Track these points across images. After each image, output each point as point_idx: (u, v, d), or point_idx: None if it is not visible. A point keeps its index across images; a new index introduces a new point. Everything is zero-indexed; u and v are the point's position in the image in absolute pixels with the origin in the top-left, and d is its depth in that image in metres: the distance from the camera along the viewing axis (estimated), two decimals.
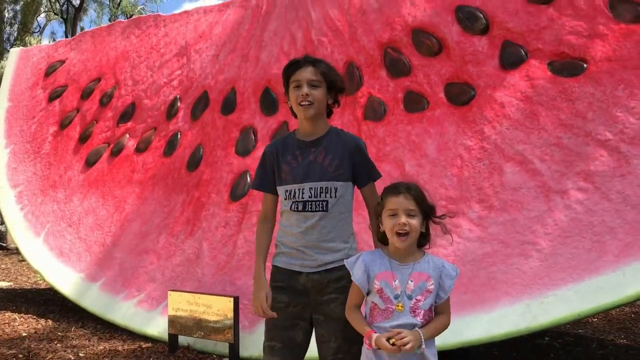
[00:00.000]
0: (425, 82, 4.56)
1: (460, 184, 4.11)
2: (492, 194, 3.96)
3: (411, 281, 2.18)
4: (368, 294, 2.26)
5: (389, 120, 4.61)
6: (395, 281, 2.19)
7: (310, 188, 2.39)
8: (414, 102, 4.55)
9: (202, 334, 4.53)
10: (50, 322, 5.82)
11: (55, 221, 6.48)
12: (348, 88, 4.93)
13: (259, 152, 5.22)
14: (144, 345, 4.92)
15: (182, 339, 4.76)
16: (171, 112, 6.13)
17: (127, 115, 6.52)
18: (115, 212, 6.07)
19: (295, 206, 2.41)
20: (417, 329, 2.13)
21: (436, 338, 3.69)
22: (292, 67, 2.44)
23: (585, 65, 3.93)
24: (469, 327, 3.67)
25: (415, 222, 2.16)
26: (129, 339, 5.14)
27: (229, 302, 4.37)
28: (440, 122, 4.36)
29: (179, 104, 6.12)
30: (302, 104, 2.38)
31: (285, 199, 2.45)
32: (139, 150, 6.22)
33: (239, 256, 4.90)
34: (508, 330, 3.54)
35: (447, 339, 3.63)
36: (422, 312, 2.16)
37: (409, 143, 4.42)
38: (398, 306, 2.17)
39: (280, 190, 2.48)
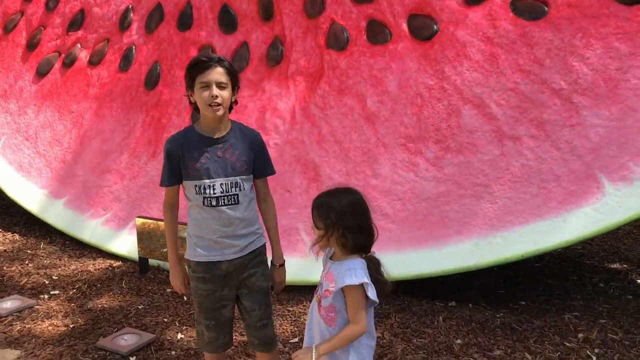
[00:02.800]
0: (388, 11, 4.50)
1: (419, 123, 4.24)
2: (449, 135, 4.12)
3: (324, 277, 2.28)
4: None
5: (351, 52, 4.59)
6: (322, 271, 2.33)
7: (222, 184, 2.49)
8: (377, 33, 4.52)
9: None
10: (17, 236, 5.94)
11: (10, 134, 6.37)
12: (309, 11, 4.83)
13: None
14: (114, 264, 5.14)
15: (153, 260, 4.99)
16: (124, 23, 5.88)
17: (76, 23, 6.22)
18: (73, 127, 6.00)
19: (209, 202, 2.49)
20: (313, 345, 2.18)
21: (393, 269, 4.01)
22: (198, 67, 2.45)
23: (546, 9, 3.95)
24: (422, 260, 3.99)
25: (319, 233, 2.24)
26: (98, 256, 5.34)
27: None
28: (402, 58, 4.38)
29: (131, 15, 5.86)
30: (211, 105, 2.43)
31: (196, 194, 2.51)
32: (93, 63, 6.02)
33: None
34: (458, 266, 3.88)
35: (402, 271, 3.98)
36: (323, 308, 2.22)
37: (371, 77, 4.46)
38: (317, 297, 2.29)
39: (188, 184, 2.53)
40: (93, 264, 5.17)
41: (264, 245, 2.71)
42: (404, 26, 4.43)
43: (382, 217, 4.19)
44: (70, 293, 4.52)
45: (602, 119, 3.70)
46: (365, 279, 2.12)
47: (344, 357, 2.20)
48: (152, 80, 5.58)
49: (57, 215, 5.75)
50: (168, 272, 4.93)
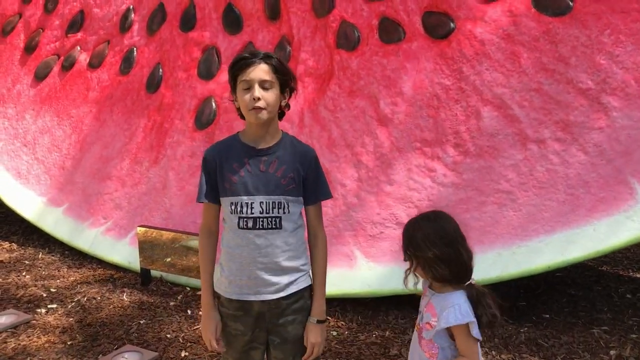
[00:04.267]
0: (401, 8, 4.28)
1: (436, 126, 4.01)
2: (468, 138, 3.89)
3: (425, 308, 2.13)
4: None
5: (363, 51, 4.36)
6: (422, 299, 2.17)
7: (261, 202, 2.11)
8: (390, 32, 4.30)
9: (175, 270, 4.53)
10: (14, 246, 5.73)
11: (7, 139, 6.16)
12: (317, 10, 4.62)
13: (223, 76, 4.96)
14: (115, 275, 4.92)
15: (155, 271, 4.77)
16: (125, 24, 5.67)
17: (75, 24, 6.01)
18: (73, 132, 5.79)
19: (245, 223, 2.12)
20: None
21: (399, 280, 3.78)
22: (239, 65, 2.09)
23: (571, 4, 3.72)
24: None
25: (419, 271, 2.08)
26: (99, 267, 5.12)
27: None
28: (416, 57, 4.15)
29: (132, 15, 5.65)
30: (254, 108, 2.06)
31: (231, 214, 2.14)
32: (93, 65, 5.81)
33: None
34: (479, 278, 3.61)
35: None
36: (424, 340, 2.10)
37: (384, 78, 4.23)
38: (417, 325, 2.17)
39: (225, 202, 2.16)
40: (93, 275, 4.95)
41: (309, 288, 2.26)
42: (419, 24, 4.21)
43: (397, 226, 3.96)
44: (69, 307, 4.30)
45: (634, 120, 3.46)
46: (471, 317, 1.96)
47: None
48: (154, 83, 5.37)
49: (56, 223, 5.53)
50: (171, 283, 4.74)
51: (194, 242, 4.38)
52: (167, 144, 5.14)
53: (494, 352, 3.43)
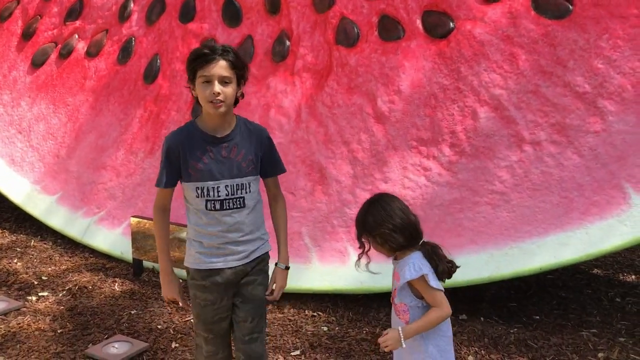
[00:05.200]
0: (401, 6, 4.28)
1: (432, 125, 4.01)
2: (464, 138, 3.90)
3: (393, 277, 2.37)
4: None
5: (362, 48, 4.36)
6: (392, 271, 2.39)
7: (227, 186, 2.30)
8: (389, 29, 4.30)
9: None
10: (6, 233, 5.71)
11: (2, 126, 6.13)
12: (317, 5, 4.61)
13: None
14: (107, 265, 4.91)
15: (147, 262, 4.76)
16: (124, 13, 5.65)
17: (74, 12, 5.98)
18: (69, 121, 5.77)
19: (212, 205, 2.30)
20: (398, 327, 2.22)
21: (390, 278, 3.80)
22: (199, 60, 2.22)
23: (571, 8, 3.73)
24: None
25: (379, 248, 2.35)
26: (91, 256, 5.12)
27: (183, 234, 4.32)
28: (415, 56, 4.16)
29: (132, 5, 5.63)
30: (213, 102, 2.21)
31: (197, 197, 2.31)
32: (90, 54, 5.79)
33: None
34: (471, 278, 3.65)
35: None
36: (396, 307, 2.32)
37: (382, 76, 4.24)
38: (392, 298, 2.37)
39: (189, 186, 2.32)
40: (85, 264, 4.94)
41: (268, 253, 2.53)
42: (418, 23, 4.21)
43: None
44: (60, 295, 4.29)
45: (629, 125, 3.48)
46: (423, 270, 2.18)
47: (423, 348, 2.24)
48: (151, 74, 5.35)
49: (49, 211, 5.51)
50: None
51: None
52: (163, 135, 5.12)
53: (483, 352, 3.44)
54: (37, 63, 6.12)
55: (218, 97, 2.20)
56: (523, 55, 3.81)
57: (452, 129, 3.94)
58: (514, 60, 3.83)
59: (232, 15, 5.05)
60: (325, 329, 3.77)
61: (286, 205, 2.60)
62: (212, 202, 2.30)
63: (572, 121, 3.62)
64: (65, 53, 5.95)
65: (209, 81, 2.20)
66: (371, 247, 2.34)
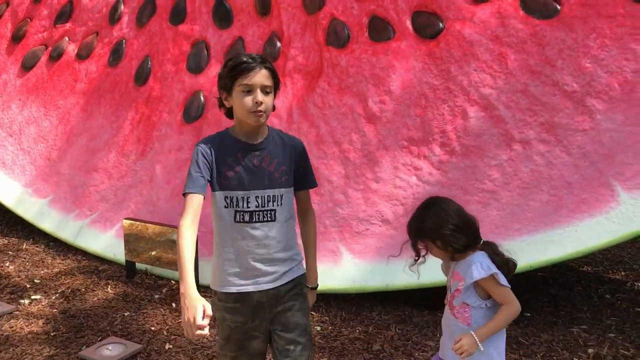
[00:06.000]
0: (391, 7, 4.30)
1: (423, 125, 4.04)
2: (454, 138, 3.93)
3: (451, 278, 2.31)
4: None
5: (352, 49, 4.39)
6: (449, 274, 2.35)
7: (257, 197, 2.18)
8: (379, 30, 4.33)
9: (160, 263, 4.53)
10: None
11: None
12: (308, 7, 4.64)
13: (212, 70, 4.96)
14: (100, 268, 4.91)
15: (140, 264, 4.77)
16: (114, 16, 5.65)
17: (64, 15, 5.98)
18: (60, 124, 5.76)
19: (241, 217, 2.17)
20: (471, 332, 2.18)
21: (394, 279, 3.82)
22: (241, 68, 2.12)
23: (559, 7, 3.77)
24: (424, 269, 3.78)
25: (434, 250, 2.29)
26: (83, 259, 5.11)
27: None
28: (405, 56, 4.18)
29: (122, 7, 5.63)
30: (255, 111, 2.12)
31: (226, 207, 2.17)
32: (81, 57, 5.78)
33: None
34: None
35: (404, 280, 3.79)
36: (455, 307, 2.27)
37: (372, 76, 4.26)
38: (445, 299, 2.34)
39: (218, 195, 2.18)
40: (77, 267, 4.93)
41: (303, 275, 2.35)
42: (408, 23, 4.24)
43: (383, 223, 3.99)
44: (53, 298, 4.29)
45: (617, 123, 3.52)
46: (493, 268, 2.16)
47: (484, 350, 2.18)
48: (142, 76, 5.36)
49: (41, 214, 5.51)
50: (156, 276, 4.73)
51: None
52: (155, 137, 5.13)
53: None
54: (27, 66, 6.11)
55: (260, 107, 2.11)
56: (512, 55, 3.85)
57: (443, 128, 3.97)
58: (503, 60, 3.87)
59: (222, 17, 5.06)
60: (319, 328, 3.79)
61: (316, 220, 2.46)
62: (241, 213, 2.17)
63: (560, 120, 3.66)
64: (56, 56, 5.94)
65: (249, 90, 2.11)
66: (428, 253, 2.28)
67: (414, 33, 4.21)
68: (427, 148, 4.00)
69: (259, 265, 2.20)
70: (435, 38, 4.12)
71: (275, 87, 2.20)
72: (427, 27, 4.16)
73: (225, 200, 2.18)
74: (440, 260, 2.37)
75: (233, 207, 2.17)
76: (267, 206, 2.19)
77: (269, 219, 2.19)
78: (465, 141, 3.89)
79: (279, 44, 4.75)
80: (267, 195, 2.20)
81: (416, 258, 2.28)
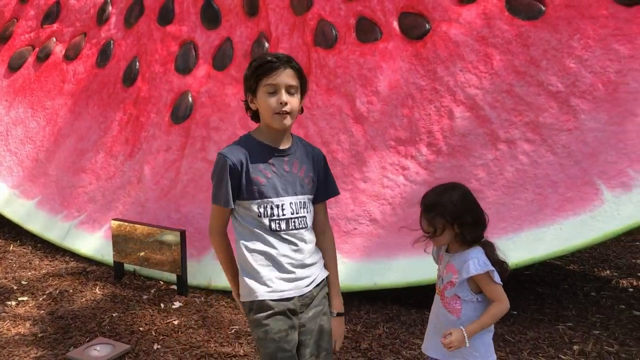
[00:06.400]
0: (378, 8, 4.33)
1: (410, 125, 4.07)
2: (441, 138, 3.97)
3: (445, 270, 2.31)
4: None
5: (340, 50, 4.41)
6: (441, 265, 2.36)
7: (291, 203, 2.12)
8: (367, 31, 4.35)
9: (148, 264, 4.53)
10: None
11: None
12: (296, 7, 4.66)
13: (200, 71, 4.96)
14: (88, 269, 4.90)
15: (128, 265, 4.76)
16: (102, 16, 5.64)
17: (51, 15, 5.96)
18: (47, 125, 5.74)
19: (277, 225, 2.11)
20: (461, 327, 2.20)
21: (382, 277, 3.84)
22: (265, 68, 2.06)
23: (543, 9, 3.82)
24: (412, 268, 3.83)
25: (444, 234, 2.25)
26: (71, 260, 5.10)
27: (175, 236, 4.34)
28: (392, 57, 4.21)
29: (110, 8, 5.62)
30: (279, 113, 2.05)
31: (260, 217, 2.10)
32: (69, 57, 5.77)
33: (183, 183, 4.80)
34: None
35: (392, 278, 3.83)
36: (446, 299, 2.29)
37: (360, 77, 4.29)
38: (437, 289, 2.35)
39: (250, 205, 2.11)
40: (65, 268, 4.92)
41: (327, 277, 2.31)
42: (395, 24, 4.27)
43: (371, 223, 4.02)
44: (40, 299, 4.28)
45: (601, 123, 3.57)
46: (490, 266, 2.19)
47: (471, 342, 2.20)
48: (130, 77, 5.35)
49: (28, 216, 5.48)
50: (144, 277, 4.72)
51: (168, 237, 4.38)
52: (143, 137, 5.13)
53: None
54: (14, 66, 6.08)
55: (285, 108, 2.05)
56: (497, 55, 3.89)
57: (429, 128, 4.01)
58: (489, 61, 3.91)
59: (210, 18, 5.07)
60: None
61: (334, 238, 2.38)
62: (277, 221, 2.11)
63: (545, 120, 3.70)
64: (43, 56, 5.92)
65: (274, 91, 2.05)
66: (431, 234, 2.24)
67: (400, 34, 4.24)
68: (414, 148, 4.03)
69: (298, 270, 2.15)
70: (421, 39, 4.15)
71: (302, 87, 2.13)
72: (414, 28, 4.20)
73: (258, 209, 2.11)
74: (435, 246, 2.36)
75: (267, 215, 2.11)
76: (300, 212, 2.15)
77: (302, 226, 2.16)
78: (452, 141, 3.93)
79: (267, 44, 4.76)
80: (300, 201, 2.16)
81: (431, 235, 2.24)
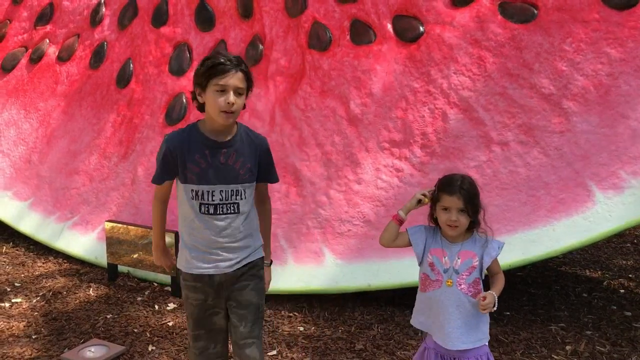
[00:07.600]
0: (372, 11, 4.36)
1: (404, 127, 4.10)
2: (434, 140, 3.99)
3: (458, 258, 2.38)
4: (420, 264, 2.49)
5: (334, 52, 4.44)
6: (445, 257, 2.40)
7: (221, 191, 2.33)
8: (361, 33, 4.38)
9: (142, 265, 4.52)
10: None
11: None
12: (290, 10, 4.68)
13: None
14: (82, 270, 4.89)
15: (122, 267, 4.75)
16: (95, 18, 5.64)
17: (45, 16, 5.95)
18: (40, 126, 5.72)
19: (206, 209, 2.33)
20: (491, 291, 2.33)
21: (376, 278, 3.86)
22: (218, 69, 2.23)
23: (536, 12, 3.86)
24: (406, 269, 3.84)
25: (464, 218, 2.34)
26: (65, 262, 5.08)
27: (168, 238, 4.33)
28: (386, 59, 4.24)
29: (103, 9, 5.62)
30: (226, 112, 2.24)
31: (192, 199, 2.33)
32: (62, 59, 5.76)
33: None
34: None
35: (386, 280, 3.85)
36: (467, 285, 2.37)
37: (354, 79, 4.31)
38: (448, 282, 2.39)
39: (185, 187, 2.34)
40: (59, 270, 4.91)
41: (261, 259, 2.54)
42: (389, 27, 4.30)
43: (365, 224, 4.04)
44: (34, 301, 4.26)
45: (593, 125, 3.61)
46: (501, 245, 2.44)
47: (482, 327, 2.40)
48: (124, 78, 5.35)
49: (21, 217, 5.46)
50: (138, 279, 4.72)
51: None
52: (137, 139, 5.13)
53: None
54: (7, 68, 6.06)
55: (232, 108, 2.23)
56: (490, 58, 3.92)
57: (423, 130, 4.03)
58: (482, 63, 3.94)
59: (205, 20, 5.08)
60: (302, 328, 3.82)
61: (271, 207, 2.68)
62: (206, 206, 2.33)
63: (538, 122, 3.74)
64: (36, 58, 5.91)
65: (223, 90, 2.22)
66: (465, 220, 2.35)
67: (394, 36, 4.27)
68: (408, 150, 4.06)
69: (220, 252, 2.38)
70: (415, 41, 4.18)
71: (247, 89, 2.32)
72: (408, 30, 4.22)
73: (191, 192, 2.33)
74: (417, 233, 2.48)
75: (198, 199, 2.33)
76: (231, 199, 2.35)
77: (232, 212, 2.36)
78: (445, 143, 3.96)
79: (261, 46, 4.78)
80: (231, 190, 2.35)
81: (457, 222, 2.34)
